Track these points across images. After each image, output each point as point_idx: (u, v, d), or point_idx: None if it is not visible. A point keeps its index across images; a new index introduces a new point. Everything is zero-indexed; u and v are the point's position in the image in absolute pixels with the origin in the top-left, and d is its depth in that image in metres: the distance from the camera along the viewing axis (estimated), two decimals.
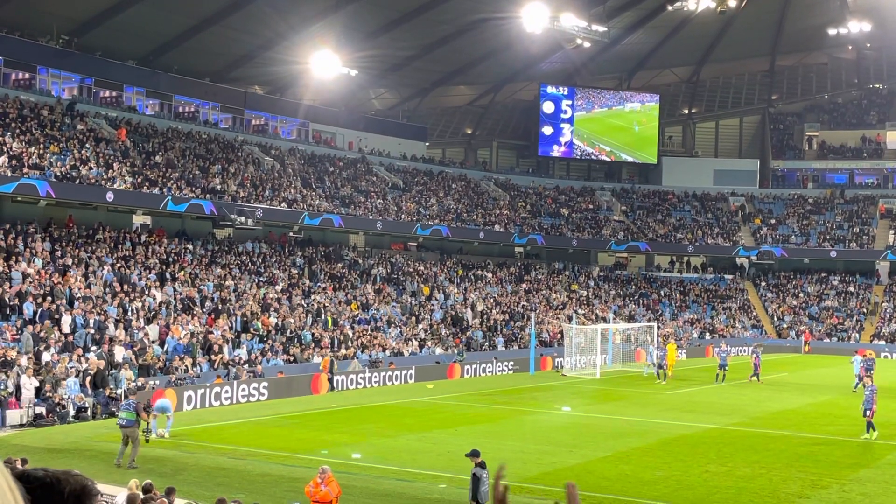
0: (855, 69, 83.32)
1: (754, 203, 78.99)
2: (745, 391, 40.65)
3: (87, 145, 44.59)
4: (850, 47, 78.71)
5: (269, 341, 39.97)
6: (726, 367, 43.75)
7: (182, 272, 42.02)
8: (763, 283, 73.58)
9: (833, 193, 77.91)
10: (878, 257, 70.71)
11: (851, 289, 71.42)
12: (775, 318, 69.52)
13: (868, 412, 27.60)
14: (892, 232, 72.05)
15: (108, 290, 37.06)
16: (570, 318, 54.56)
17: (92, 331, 33.45)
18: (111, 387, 30.30)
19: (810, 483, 21.35)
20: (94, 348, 32.36)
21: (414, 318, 50.29)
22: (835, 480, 21.71)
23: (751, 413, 33.38)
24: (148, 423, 24.52)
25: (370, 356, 43.01)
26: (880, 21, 68.89)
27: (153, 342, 35.11)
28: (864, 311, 68.79)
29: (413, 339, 47.44)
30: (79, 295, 35.44)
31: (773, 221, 76.27)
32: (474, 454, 16.28)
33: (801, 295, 71.91)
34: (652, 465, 23.16)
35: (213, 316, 39.44)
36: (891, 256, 69.69)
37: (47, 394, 28.44)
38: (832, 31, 71.08)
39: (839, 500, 19.74)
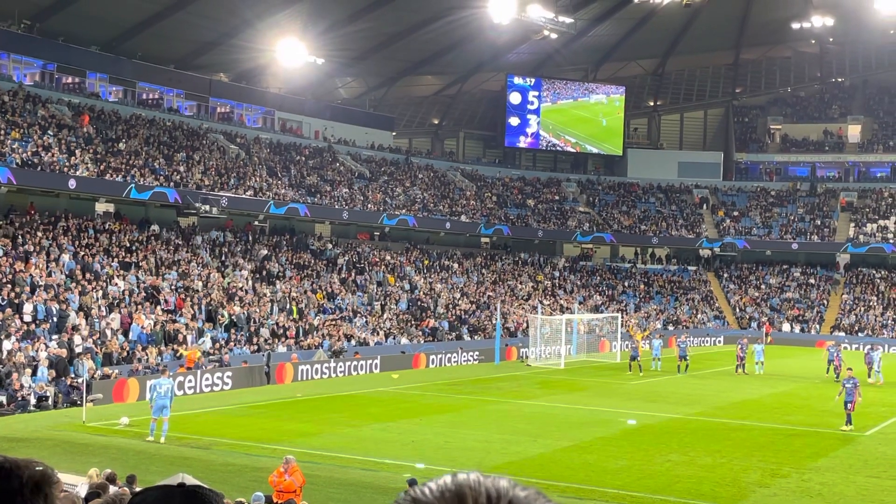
0: (818, 63, 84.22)
1: (718, 195, 79.67)
2: (708, 382, 41.11)
3: (50, 132, 44.02)
4: (814, 41, 79.56)
5: (234, 331, 39.74)
6: (687, 358, 44.20)
7: (145, 261, 41.65)
8: (725, 275, 74.29)
9: (795, 186, 78.78)
10: (838, 249, 71.67)
11: (812, 280, 72.30)
12: (737, 310, 70.23)
13: (849, 404, 27.82)
14: (852, 225, 72.99)
15: (69, 278, 36.66)
16: (535, 309, 54.77)
17: (54, 319, 33.09)
18: (72, 375, 30.02)
19: (770, 472, 21.65)
20: (55, 337, 32.02)
21: (380, 308, 50.24)
22: (794, 469, 22.03)
23: (712, 403, 33.75)
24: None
25: (354, 343, 43.07)
26: (843, 16, 69.72)
27: (116, 331, 34.79)
28: (825, 302, 69.69)
29: (379, 329, 47.39)
30: (40, 283, 35.02)
31: (735, 214, 76.99)
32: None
33: (763, 286, 72.71)
34: (615, 454, 23.35)
35: (179, 302, 39.16)
36: (851, 249, 70.67)
37: (13, 382, 28.11)
38: (796, 26, 71.83)
39: (798, 489, 20.03)
